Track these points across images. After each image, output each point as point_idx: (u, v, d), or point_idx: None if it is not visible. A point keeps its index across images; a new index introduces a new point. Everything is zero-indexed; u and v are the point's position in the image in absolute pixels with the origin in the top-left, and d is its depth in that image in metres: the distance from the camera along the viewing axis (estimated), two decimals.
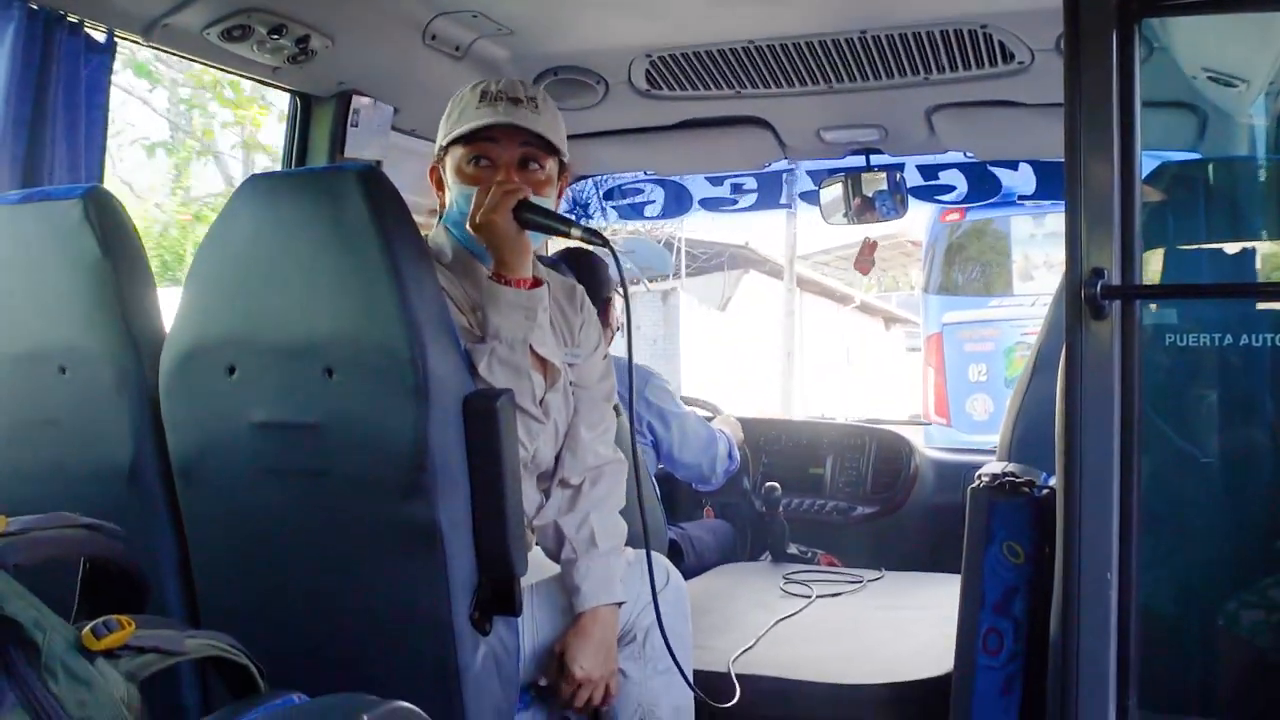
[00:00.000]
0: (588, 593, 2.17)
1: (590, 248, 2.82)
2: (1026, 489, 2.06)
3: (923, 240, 10.59)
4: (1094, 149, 1.70)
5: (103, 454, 2.01)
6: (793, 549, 3.88)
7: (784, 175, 4.18)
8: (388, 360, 1.77)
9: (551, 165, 2.22)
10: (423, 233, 2.24)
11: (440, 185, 2.27)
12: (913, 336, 19.82)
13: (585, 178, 4.21)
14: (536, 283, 2.12)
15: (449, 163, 2.22)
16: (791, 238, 15.10)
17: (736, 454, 3.95)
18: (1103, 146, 1.70)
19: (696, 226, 13.11)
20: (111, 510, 1.89)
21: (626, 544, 2.28)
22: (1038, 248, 9.39)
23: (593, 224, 4.10)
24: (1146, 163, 2.19)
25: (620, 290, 3.56)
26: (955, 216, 9.92)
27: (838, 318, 19.16)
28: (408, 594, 1.86)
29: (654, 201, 4.36)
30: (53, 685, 1.20)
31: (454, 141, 2.19)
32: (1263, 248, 2.08)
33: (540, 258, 2.60)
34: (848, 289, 19.31)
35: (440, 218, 2.28)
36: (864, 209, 3.87)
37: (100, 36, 2.42)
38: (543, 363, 2.15)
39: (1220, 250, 2.08)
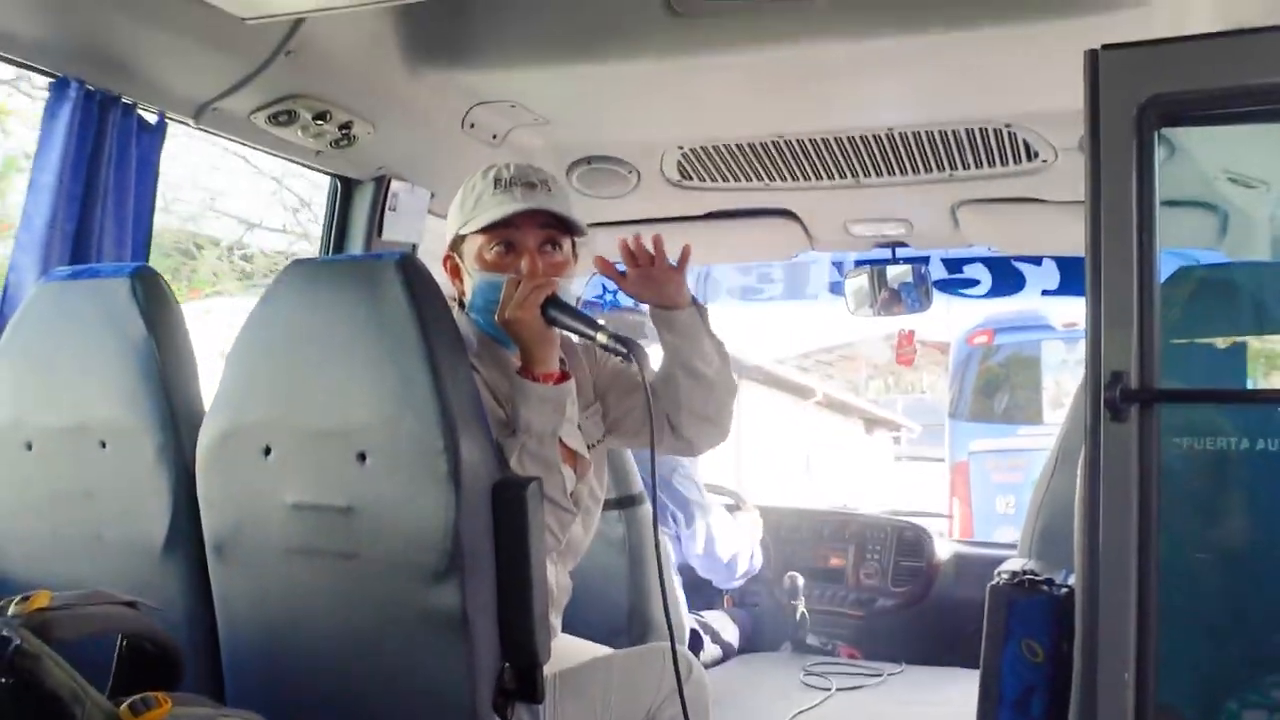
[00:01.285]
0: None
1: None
2: (1045, 587, 2.07)
3: (950, 347, 10.29)
4: (1113, 253, 1.73)
5: (139, 528, 2.05)
6: (813, 640, 3.87)
7: (811, 266, 4.23)
8: (421, 447, 1.80)
9: (568, 246, 2.27)
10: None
11: (456, 273, 2.30)
12: (906, 444, 18.86)
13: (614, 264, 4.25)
14: (564, 376, 2.16)
15: (468, 250, 2.25)
16: None
17: (759, 558, 3.95)
18: (1122, 250, 1.72)
19: None
20: (145, 583, 1.95)
21: (645, 636, 2.29)
22: (1070, 373, 9.02)
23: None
24: (1169, 264, 2.23)
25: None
26: (984, 339, 9.74)
27: (797, 414, 17.75)
28: (432, 677, 1.87)
29: None
30: None
31: (472, 231, 2.23)
32: None
33: None
34: (805, 382, 18.13)
35: (461, 304, 2.31)
36: (890, 301, 3.91)
37: (152, 118, 2.49)
38: (572, 454, 2.19)
39: (1242, 353, 2.11)
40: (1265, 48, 1.70)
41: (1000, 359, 9.74)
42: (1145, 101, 1.73)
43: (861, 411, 20.15)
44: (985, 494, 9.15)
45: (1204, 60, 1.74)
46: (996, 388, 9.71)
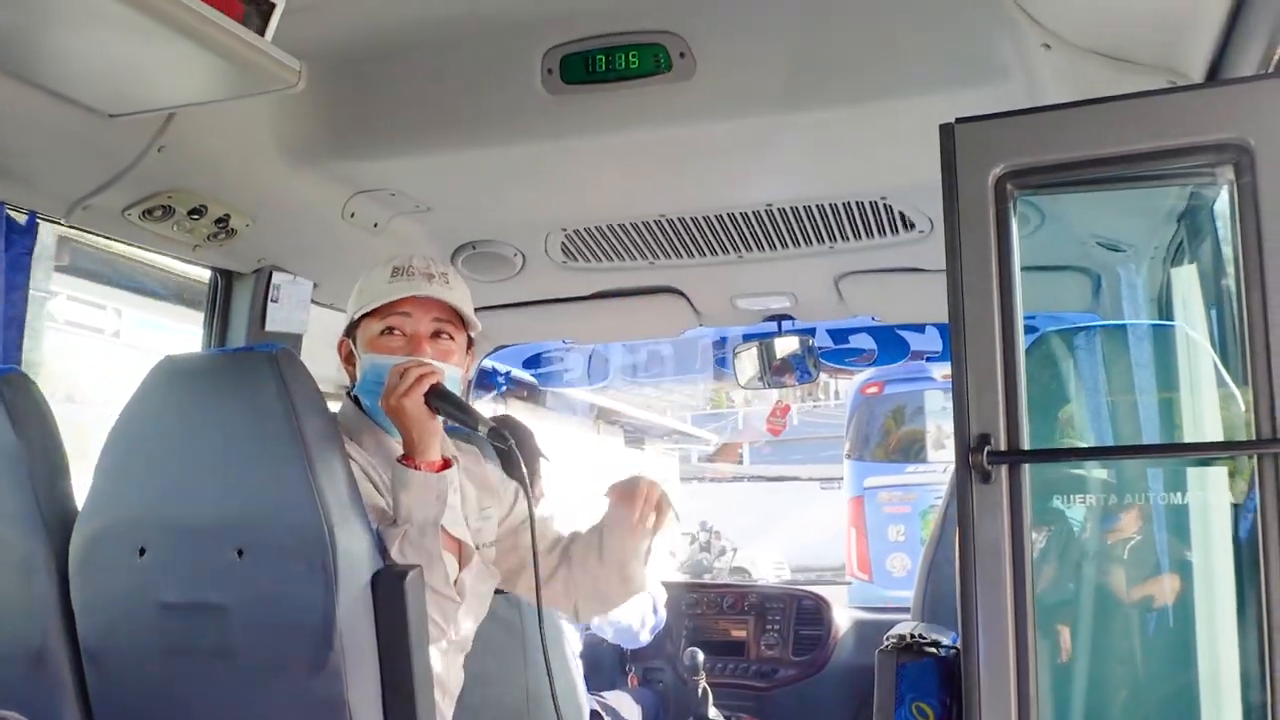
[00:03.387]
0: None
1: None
2: (932, 649, 2.10)
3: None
4: (976, 319, 1.78)
5: (10, 636, 1.99)
6: (715, 714, 3.86)
7: (699, 342, 4.26)
8: (298, 540, 1.79)
9: (461, 338, 2.29)
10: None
11: (350, 359, 2.31)
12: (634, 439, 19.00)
13: (505, 346, 4.27)
14: (446, 464, 2.16)
15: (360, 336, 2.27)
16: None
17: (662, 610, 3.95)
18: (984, 317, 1.77)
19: None
20: (19, 692, 1.89)
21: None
22: (949, 419, 9.83)
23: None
24: (1042, 324, 2.29)
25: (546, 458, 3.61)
26: (874, 389, 11.23)
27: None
28: None
29: (573, 370, 4.43)
30: None
31: (366, 315, 2.25)
32: (1150, 409, 2.16)
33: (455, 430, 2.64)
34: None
35: (349, 392, 2.31)
36: (780, 372, 3.95)
37: (21, 218, 2.45)
38: (456, 543, 2.18)
39: (1113, 411, 2.16)
40: (1110, 117, 1.78)
41: (889, 407, 11.27)
42: (1001, 172, 1.79)
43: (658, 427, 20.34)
44: (879, 524, 10.66)
45: (1054, 130, 1.81)
46: (887, 432, 11.27)
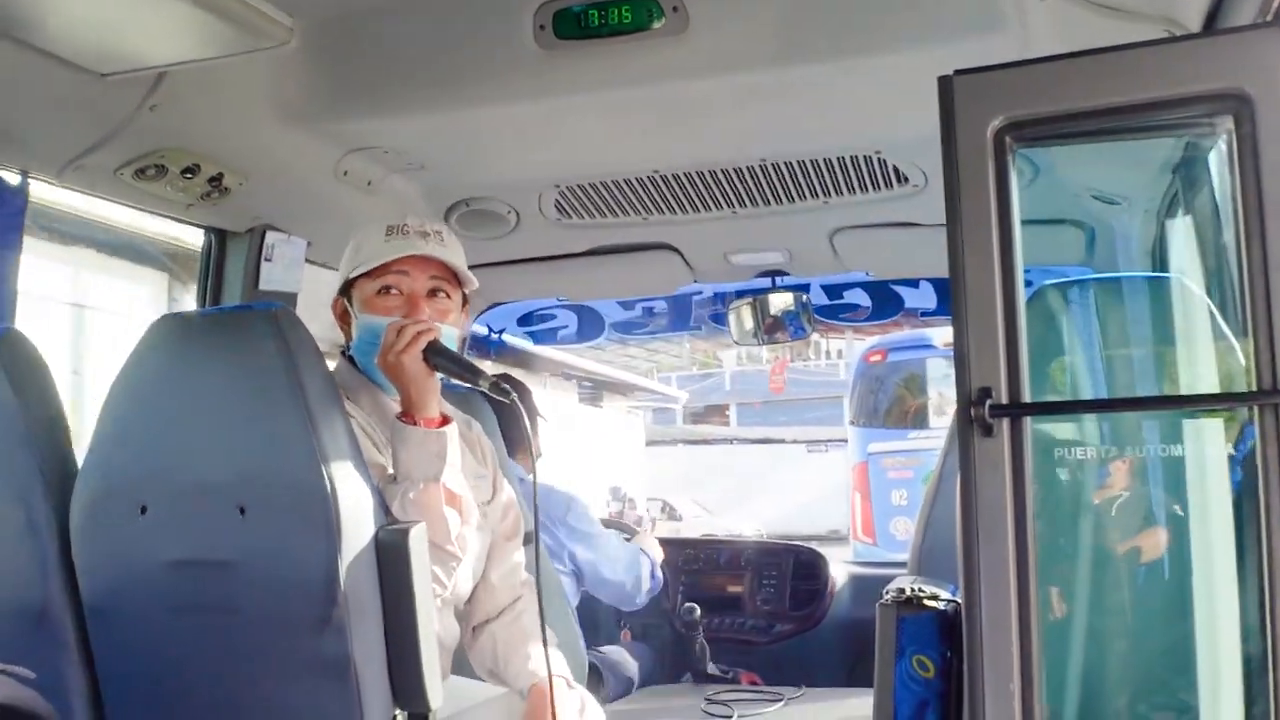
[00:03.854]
0: (537, 663, 2.23)
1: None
2: (933, 602, 2.11)
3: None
4: (976, 273, 1.77)
5: (13, 595, 1.99)
6: (713, 669, 3.88)
7: (693, 298, 4.26)
8: (299, 497, 1.79)
9: (457, 295, 2.29)
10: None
11: (345, 318, 2.31)
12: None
13: (498, 305, 4.26)
14: (444, 420, 2.16)
15: (356, 295, 2.27)
16: None
17: (659, 574, 3.97)
18: (984, 270, 1.77)
19: None
20: (22, 650, 1.89)
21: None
22: (949, 386, 10.02)
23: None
24: (1037, 278, 2.29)
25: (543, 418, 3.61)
26: (878, 358, 11.64)
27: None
28: None
29: (567, 326, 4.43)
30: None
31: (363, 275, 2.24)
32: (1146, 361, 2.17)
33: (454, 388, 2.64)
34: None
35: (344, 352, 2.31)
36: (774, 329, 3.94)
37: (13, 179, 2.44)
38: (456, 498, 2.18)
39: (1109, 364, 2.17)
40: (1109, 67, 1.77)
41: (893, 375, 11.60)
42: (1000, 124, 1.78)
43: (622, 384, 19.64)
44: (882, 488, 10.97)
45: (1053, 81, 1.79)
46: (890, 399, 11.60)
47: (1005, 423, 1.76)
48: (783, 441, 20.20)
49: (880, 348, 11.75)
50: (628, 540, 4.05)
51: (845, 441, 16.41)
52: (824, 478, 17.14)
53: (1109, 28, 2.08)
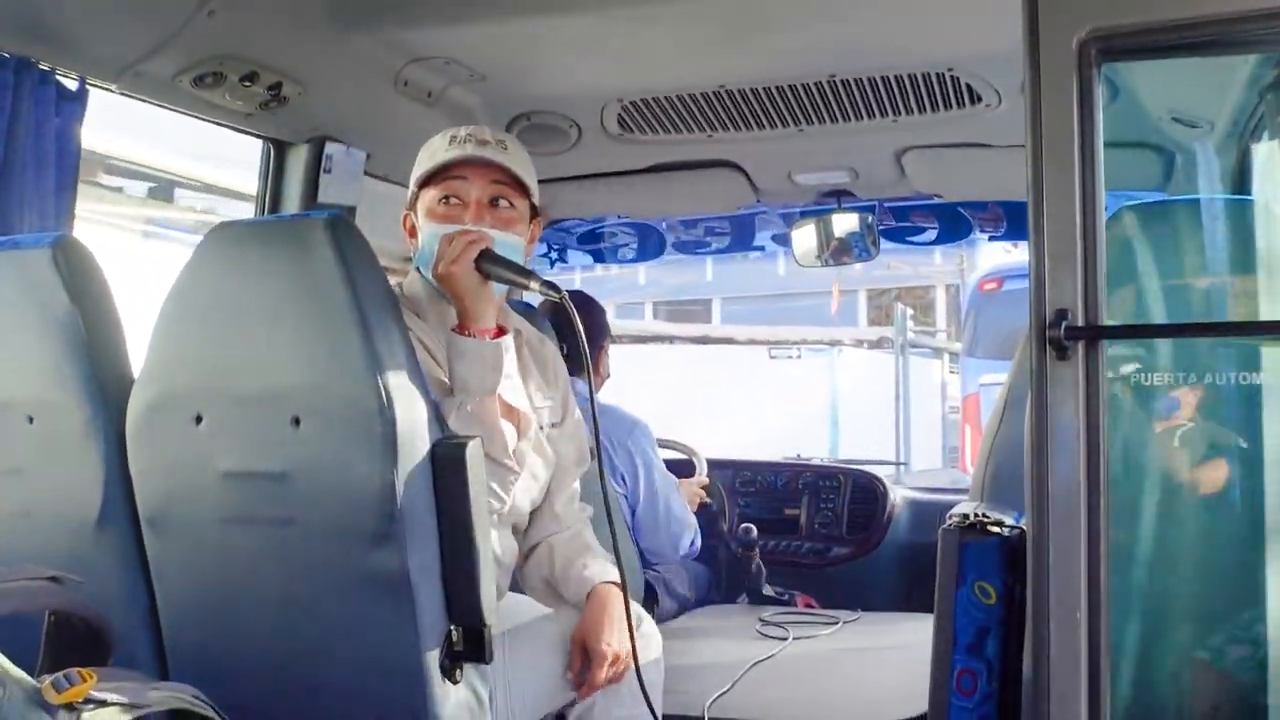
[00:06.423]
0: (596, 572, 2.24)
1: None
2: (997, 529, 2.06)
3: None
4: (1056, 191, 1.71)
5: (70, 503, 2.00)
6: (769, 590, 3.87)
7: (756, 218, 4.20)
8: (355, 409, 1.77)
9: (522, 205, 2.24)
10: (400, 279, 2.26)
11: (414, 232, 2.28)
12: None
13: (559, 222, 4.22)
14: (501, 331, 2.13)
15: (421, 206, 2.24)
16: None
17: (698, 541, 3.90)
18: (1065, 189, 1.71)
19: None
20: (79, 559, 1.90)
21: None
22: None
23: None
24: (1111, 204, 2.21)
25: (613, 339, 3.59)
26: (993, 286, 11.04)
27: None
28: (377, 642, 1.85)
29: (627, 245, 4.39)
30: None
31: (425, 184, 2.21)
32: (1227, 287, 2.10)
33: (520, 304, 2.61)
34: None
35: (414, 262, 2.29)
36: (838, 251, 3.88)
37: (71, 84, 2.42)
38: (513, 411, 2.15)
39: (1188, 290, 2.10)
40: None
41: (1008, 304, 10.66)
42: (1085, 36, 1.71)
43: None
44: None
45: None
46: (1004, 329, 10.62)
47: (1080, 346, 1.70)
48: (732, 341, 16.30)
49: (995, 275, 11.21)
50: (687, 464, 4.02)
51: (826, 346, 15.30)
52: (791, 391, 13.88)
53: None
